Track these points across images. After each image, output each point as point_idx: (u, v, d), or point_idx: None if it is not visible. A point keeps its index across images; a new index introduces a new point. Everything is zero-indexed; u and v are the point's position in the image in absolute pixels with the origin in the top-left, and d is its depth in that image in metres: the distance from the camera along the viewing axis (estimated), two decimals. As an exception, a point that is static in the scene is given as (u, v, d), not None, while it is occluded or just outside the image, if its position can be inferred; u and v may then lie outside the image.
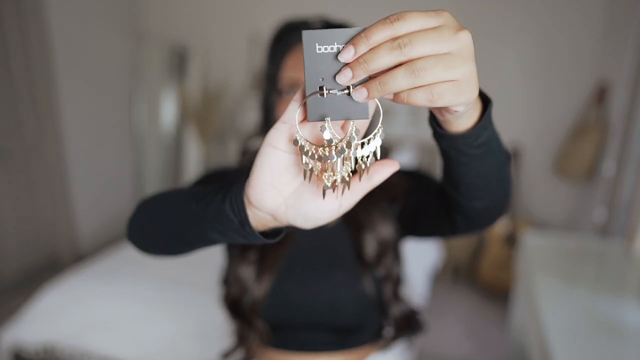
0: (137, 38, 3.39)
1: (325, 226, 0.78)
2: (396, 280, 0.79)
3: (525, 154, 2.93)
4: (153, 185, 3.52)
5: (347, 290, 0.75)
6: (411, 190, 0.76)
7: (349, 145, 0.34)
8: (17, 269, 2.69)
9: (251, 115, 3.32)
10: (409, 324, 0.81)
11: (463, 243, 2.90)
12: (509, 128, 2.93)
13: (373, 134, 0.35)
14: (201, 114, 3.21)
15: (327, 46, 0.32)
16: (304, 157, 0.35)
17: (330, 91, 0.33)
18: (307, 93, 0.33)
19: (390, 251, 0.78)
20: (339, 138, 0.35)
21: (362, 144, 0.35)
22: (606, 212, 2.15)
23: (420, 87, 0.31)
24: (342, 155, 0.34)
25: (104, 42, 3.09)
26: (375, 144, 0.35)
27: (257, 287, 0.73)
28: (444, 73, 0.31)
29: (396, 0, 2.94)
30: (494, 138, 0.46)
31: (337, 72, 0.32)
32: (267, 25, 2.98)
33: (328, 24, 0.74)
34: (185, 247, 0.53)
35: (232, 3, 3.26)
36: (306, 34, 0.32)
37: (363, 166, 0.36)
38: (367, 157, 0.36)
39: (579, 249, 1.82)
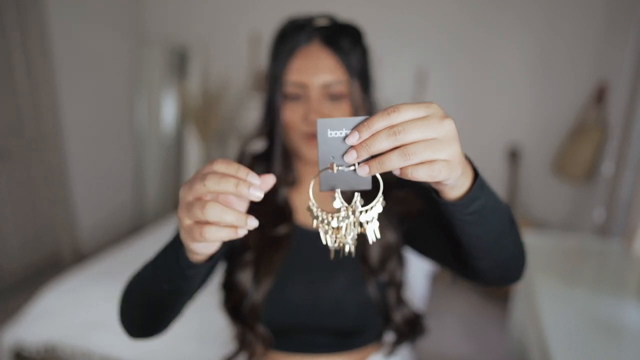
0: (138, 39, 3.39)
1: None
2: (399, 285, 0.79)
3: (524, 154, 2.93)
4: (153, 185, 3.52)
5: (350, 294, 0.75)
6: (424, 213, 0.73)
7: (354, 212, 0.41)
8: (18, 269, 2.69)
9: (251, 115, 3.33)
10: (412, 328, 0.81)
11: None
12: (509, 128, 2.93)
13: (375, 201, 0.42)
14: (201, 114, 3.21)
15: (337, 131, 0.39)
16: (314, 221, 0.43)
17: (339, 167, 0.40)
18: (320, 168, 0.40)
19: (394, 256, 0.77)
20: (346, 206, 0.42)
21: (366, 210, 0.42)
22: (605, 212, 2.15)
23: (420, 164, 0.38)
24: (347, 222, 0.41)
25: (104, 42, 3.10)
26: (377, 210, 0.42)
27: (256, 292, 0.73)
28: (431, 155, 0.37)
29: (398, 2, 2.94)
30: (490, 208, 0.49)
31: (345, 153, 0.39)
32: (267, 26, 2.98)
33: (333, 22, 0.73)
34: (162, 314, 0.58)
35: (232, 4, 3.26)
36: (320, 122, 0.39)
37: (367, 228, 0.42)
38: (371, 221, 0.42)
39: (578, 249, 1.83)
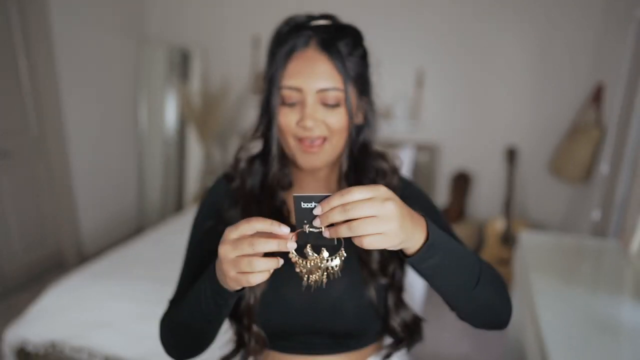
0: (141, 41, 3.41)
1: None
2: (399, 288, 0.78)
3: (523, 156, 2.95)
4: (155, 186, 3.54)
5: (349, 298, 0.74)
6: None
7: (321, 260, 0.56)
8: (22, 270, 2.70)
9: (252, 117, 3.34)
10: (410, 334, 0.80)
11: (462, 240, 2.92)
12: (507, 130, 2.95)
13: (336, 254, 0.56)
14: (203, 116, 3.23)
15: (308, 204, 0.52)
16: (296, 265, 0.57)
17: (310, 229, 0.53)
18: (297, 229, 0.54)
19: (395, 259, 0.77)
20: (316, 256, 0.56)
21: (330, 259, 0.57)
22: (602, 212, 2.17)
23: (362, 236, 0.49)
24: (312, 266, 0.56)
25: (107, 45, 3.11)
26: (337, 261, 0.56)
27: (251, 292, 0.72)
28: (371, 229, 0.48)
29: (395, 3, 2.96)
30: (447, 266, 0.58)
31: (313, 219, 0.52)
32: (268, 28, 2.99)
33: (332, 23, 0.72)
34: (208, 338, 0.69)
35: (234, 7, 3.28)
36: (296, 197, 0.52)
37: (331, 271, 0.57)
38: (335, 266, 0.57)
39: (575, 248, 1.84)
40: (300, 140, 0.72)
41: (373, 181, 0.78)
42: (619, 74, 2.15)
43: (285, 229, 0.52)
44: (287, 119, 0.71)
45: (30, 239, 2.74)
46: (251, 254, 0.51)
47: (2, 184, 2.53)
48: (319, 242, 0.54)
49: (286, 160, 0.79)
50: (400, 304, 0.79)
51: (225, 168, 0.86)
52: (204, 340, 0.69)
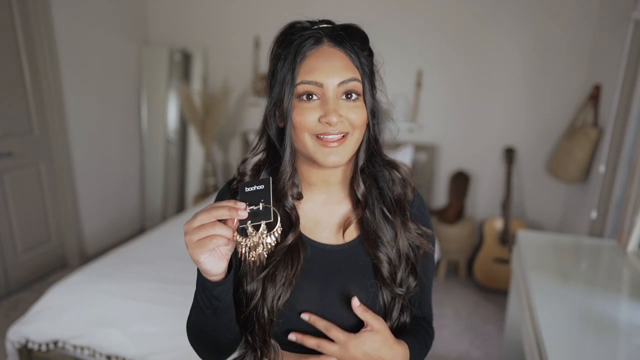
0: (143, 42, 3.42)
1: (342, 246, 0.77)
2: (406, 299, 0.78)
3: (520, 157, 2.97)
4: (157, 187, 3.55)
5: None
6: (429, 255, 0.84)
7: (259, 238, 0.61)
8: (25, 270, 2.72)
9: (253, 117, 3.37)
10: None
11: (460, 240, 2.94)
12: (505, 130, 2.97)
13: (275, 229, 0.62)
14: (204, 117, 3.24)
15: (250, 188, 0.62)
16: (239, 245, 0.62)
17: (253, 208, 0.61)
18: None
19: (404, 264, 0.77)
20: (255, 233, 0.61)
21: (267, 235, 0.62)
22: (599, 212, 2.19)
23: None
24: (255, 242, 0.61)
25: (109, 46, 3.12)
26: (272, 238, 0.62)
27: (267, 306, 0.71)
28: None
29: (395, 6, 2.98)
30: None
31: (256, 202, 0.61)
32: (269, 30, 3.01)
33: (338, 25, 0.74)
34: (219, 334, 0.72)
35: (235, 8, 3.30)
36: (241, 185, 0.63)
37: (268, 246, 0.62)
38: (271, 243, 0.62)
39: (573, 248, 1.86)
40: (318, 137, 0.69)
41: (389, 189, 0.79)
42: (616, 75, 2.17)
43: (243, 213, 0.59)
44: (304, 117, 0.68)
45: (33, 239, 2.76)
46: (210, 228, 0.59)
47: (5, 184, 2.54)
48: (259, 219, 0.61)
49: (294, 170, 0.77)
50: (403, 314, 0.79)
51: (225, 168, 0.86)
52: (221, 338, 0.72)
